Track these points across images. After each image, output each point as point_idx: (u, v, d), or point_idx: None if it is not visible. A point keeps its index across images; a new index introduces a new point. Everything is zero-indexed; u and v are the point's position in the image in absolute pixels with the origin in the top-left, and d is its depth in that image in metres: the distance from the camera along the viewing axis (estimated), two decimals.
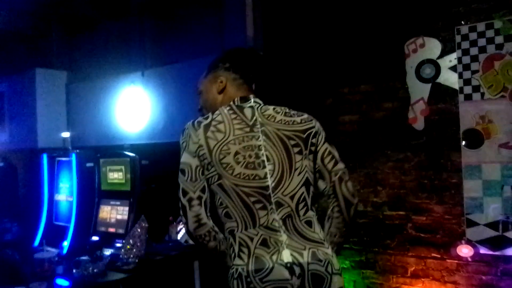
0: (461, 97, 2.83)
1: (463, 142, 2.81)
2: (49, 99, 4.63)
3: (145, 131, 4.00)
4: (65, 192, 3.95)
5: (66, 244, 3.60)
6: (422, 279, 2.97)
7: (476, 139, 2.77)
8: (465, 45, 2.82)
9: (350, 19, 3.23)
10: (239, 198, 1.41)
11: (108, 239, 3.39)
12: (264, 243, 1.38)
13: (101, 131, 4.34)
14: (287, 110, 1.55)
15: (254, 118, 1.50)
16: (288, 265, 1.35)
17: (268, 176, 1.42)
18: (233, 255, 1.42)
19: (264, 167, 1.43)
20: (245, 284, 1.35)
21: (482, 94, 2.76)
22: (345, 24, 3.25)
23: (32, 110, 4.59)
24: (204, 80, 1.67)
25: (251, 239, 1.39)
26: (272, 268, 1.34)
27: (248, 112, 1.52)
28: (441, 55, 2.91)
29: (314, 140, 1.51)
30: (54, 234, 3.77)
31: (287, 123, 1.50)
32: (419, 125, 2.98)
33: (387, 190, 3.11)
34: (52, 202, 4.05)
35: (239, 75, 1.59)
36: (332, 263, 1.40)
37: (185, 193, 1.43)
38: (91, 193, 3.72)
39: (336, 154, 1.56)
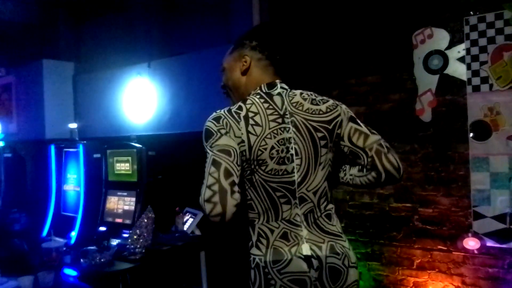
0: (469, 88, 2.80)
1: (471, 134, 2.79)
2: (56, 90, 4.66)
3: (151, 122, 4.01)
4: (73, 183, 3.98)
5: (73, 234, 3.63)
6: (428, 271, 2.97)
7: (484, 131, 2.75)
8: (474, 35, 2.78)
9: (358, 8, 3.20)
10: (265, 193, 1.38)
11: (115, 230, 3.42)
12: (285, 236, 1.37)
13: (108, 122, 4.36)
14: (314, 97, 1.47)
15: (284, 107, 1.42)
16: (307, 258, 1.35)
17: (295, 171, 1.38)
18: (250, 244, 1.41)
19: (292, 161, 1.38)
20: (262, 274, 1.35)
21: (491, 86, 2.73)
22: (353, 14, 3.22)
23: (40, 101, 4.62)
24: (229, 58, 1.57)
25: (272, 231, 1.38)
26: (291, 260, 1.34)
27: (277, 100, 1.43)
28: (449, 46, 2.87)
29: (339, 131, 1.44)
30: (62, 224, 3.80)
31: (314, 112, 1.42)
32: (427, 116, 2.96)
33: None
34: (60, 192, 4.08)
35: (265, 56, 1.49)
36: (349, 256, 1.40)
37: (229, 174, 1.25)
38: (98, 184, 3.75)
39: (364, 128, 1.46)
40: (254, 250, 1.39)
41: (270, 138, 1.36)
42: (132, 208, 3.48)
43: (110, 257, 2.71)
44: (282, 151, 1.37)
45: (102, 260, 2.67)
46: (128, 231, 3.14)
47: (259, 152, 1.36)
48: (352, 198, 3.27)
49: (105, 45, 4.55)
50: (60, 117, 4.60)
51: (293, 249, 1.35)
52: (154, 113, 3.99)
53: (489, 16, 2.72)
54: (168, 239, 3.14)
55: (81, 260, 2.72)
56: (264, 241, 1.38)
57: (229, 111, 1.39)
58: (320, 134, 1.41)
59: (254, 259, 1.38)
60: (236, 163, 1.30)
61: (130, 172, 3.57)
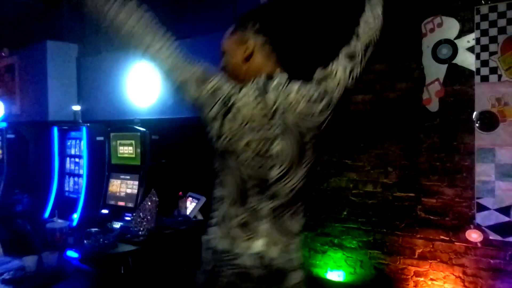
0: (477, 78, 2.77)
1: (477, 124, 2.77)
2: (60, 71, 4.64)
3: (155, 106, 3.99)
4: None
5: (76, 216, 3.64)
6: (430, 261, 2.97)
7: (491, 121, 2.73)
8: (484, 25, 2.74)
9: None
10: (235, 178, 1.33)
11: (117, 213, 3.43)
12: (244, 226, 1.34)
13: (112, 105, 4.34)
14: (311, 93, 1.34)
15: (277, 104, 1.31)
16: (256, 255, 1.33)
17: (275, 168, 1.32)
18: (213, 221, 1.40)
19: (272, 159, 1.31)
20: (213, 259, 1.36)
21: (500, 76, 2.70)
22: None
23: (43, 82, 4.60)
24: (229, 40, 1.44)
25: (235, 217, 1.35)
26: (241, 254, 1.33)
27: (271, 96, 1.32)
28: (459, 35, 2.84)
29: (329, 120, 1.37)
30: (64, 206, 3.80)
31: (308, 115, 1.32)
32: (433, 106, 2.93)
33: (398, 172, 3.09)
34: (62, 174, 4.08)
35: (269, 40, 1.38)
36: (297, 260, 1.38)
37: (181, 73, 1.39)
38: (101, 167, 3.74)
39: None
40: (214, 230, 1.38)
41: (250, 134, 1.29)
42: (135, 191, 3.48)
43: (114, 238, 2.72)
44: (262, 148, 1.31)
45: (105, 241, 2.68)
46: (130, 214, 3.14)
47: (228, 138, 1.29)
48: (356, 186, 3.27)
49: None
50: (63, 99, 4.59)
51: (247, 243, 1.33)
52: (158, 97, 3.96)
53: (501, 6, 2.68)
54: (171, 223, 3.14)
55: (85, 241, 2.73)
56: (224, 226, 1.36)
57: (225, 94, 1.30)
58: (309, 136, 1.34)
59: (211, 240, 1.37)
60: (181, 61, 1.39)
61: (133, 156, 3.56)
